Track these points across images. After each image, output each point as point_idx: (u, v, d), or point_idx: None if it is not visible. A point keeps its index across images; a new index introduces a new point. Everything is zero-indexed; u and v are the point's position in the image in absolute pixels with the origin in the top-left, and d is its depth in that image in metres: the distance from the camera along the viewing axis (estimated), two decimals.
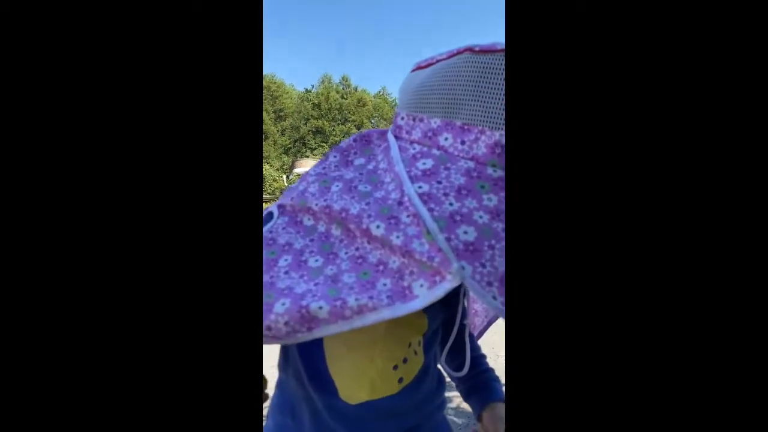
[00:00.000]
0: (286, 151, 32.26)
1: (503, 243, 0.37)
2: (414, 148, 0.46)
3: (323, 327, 0.37)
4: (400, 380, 0.55)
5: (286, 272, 0.42)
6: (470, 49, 0.44)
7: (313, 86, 36.59)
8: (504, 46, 0.42)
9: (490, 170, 0.41)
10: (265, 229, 0.48)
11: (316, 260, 0.42)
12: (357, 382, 0.54)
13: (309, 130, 33.51)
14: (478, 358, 0.74)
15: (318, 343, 0.56)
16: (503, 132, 0.41)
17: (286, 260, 0.43)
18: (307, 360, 0.56)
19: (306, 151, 31.96)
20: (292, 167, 26.10)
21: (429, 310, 0.58)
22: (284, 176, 23.11)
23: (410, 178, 0.42)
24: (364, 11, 71.27)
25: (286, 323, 0.37)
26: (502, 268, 0.36)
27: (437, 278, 0.36)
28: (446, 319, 0.65)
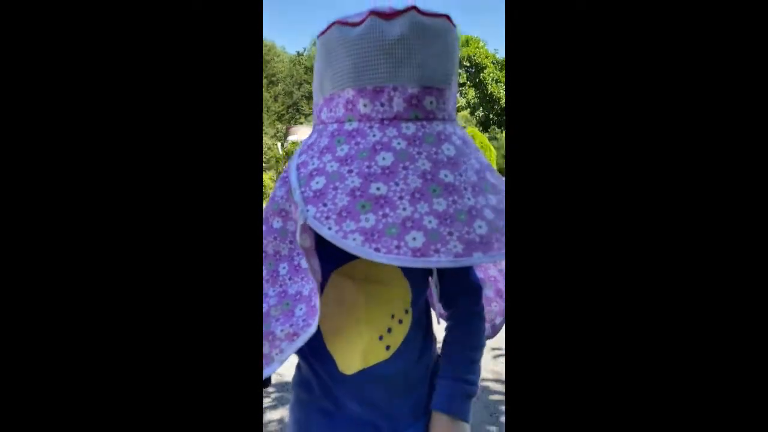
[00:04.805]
0: (279, 118, 30.95)
1: (346, 182, 0.44)
2: (315, 128, 0.54)
3: None
4: (388, 348, 0.63)
5: (290, 278, 0.52)
6: (321, 34, 0.53)
7: (305, 49, 34.87)
8: (344, 18, 0.50)
9: (346, 125, 0.49)
10: None
11: (303, 260, 0.52)
12: (350, 353, 0.63)
13: (303, 95, 32.07)
14: (450, 364, 0.68)
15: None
16: (351, 87, 0.48)
17: (284, 268, 0.53)
18: (310, 340, 0.62)
19: (300, 118, 30.67)
20: (286, 135, 24.91)
21: (410, 275, 0.63)
22: (279, 144, 22.00)
23: (299, 153, 0.51)
24: None
25: (304, 320, 0.49)
26: (341, 203, 0.43)
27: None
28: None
